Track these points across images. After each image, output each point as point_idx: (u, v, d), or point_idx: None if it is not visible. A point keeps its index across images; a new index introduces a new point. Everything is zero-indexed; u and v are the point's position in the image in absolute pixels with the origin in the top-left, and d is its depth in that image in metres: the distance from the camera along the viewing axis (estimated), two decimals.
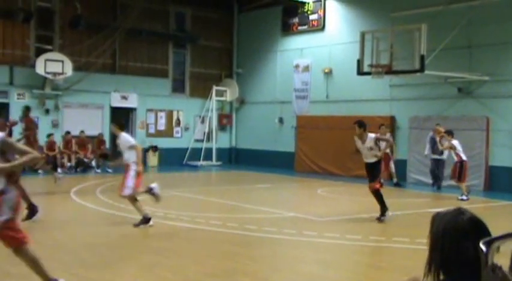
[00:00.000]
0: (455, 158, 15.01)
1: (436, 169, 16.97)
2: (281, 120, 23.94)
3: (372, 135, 11.07)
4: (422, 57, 15.80)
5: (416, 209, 13.15)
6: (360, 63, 17.57)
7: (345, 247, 8.94)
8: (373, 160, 11.04)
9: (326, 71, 22.00)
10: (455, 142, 15.01)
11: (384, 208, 10.94)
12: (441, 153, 16.50)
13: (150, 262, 7.51)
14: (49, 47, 21.20)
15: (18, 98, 20.74)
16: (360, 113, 20.26)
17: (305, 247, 8.91)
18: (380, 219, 10.90)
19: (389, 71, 16.88)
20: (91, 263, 7.31)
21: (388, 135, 15.94)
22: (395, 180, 17.45)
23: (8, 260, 7.33)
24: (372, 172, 11.08)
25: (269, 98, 24.47)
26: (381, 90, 19.79)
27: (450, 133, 15.19)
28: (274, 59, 24.38)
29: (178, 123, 25.02)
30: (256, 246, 8.86)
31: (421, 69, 15.97)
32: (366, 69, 17.41)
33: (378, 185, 10.95)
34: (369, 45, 17.29)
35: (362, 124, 11.12)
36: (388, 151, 15.18)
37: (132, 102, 23.46)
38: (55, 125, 21.44)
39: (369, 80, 18.12)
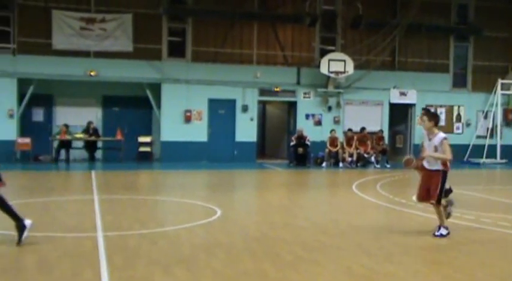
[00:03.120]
0: None
1: None
2: None
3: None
4: None
5: None
6: None
7: None
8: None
9: None
10: None
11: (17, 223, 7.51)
12: None
13: (434, 258, 7.44)
14: (331, 47, 22.37)
15: (304, 97, 22.34)
16: None
17: None
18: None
19: None
20: (374, 255, 7.48)
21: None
22: None
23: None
24: None
25: None
26: None
27: None
28: None
29: (459, 119, 24.15)
30: None
31: None
32: None
33: None
34: None
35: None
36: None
37: (411, 98, 23.37)
38: (336, 121, 22.53)
39: None
